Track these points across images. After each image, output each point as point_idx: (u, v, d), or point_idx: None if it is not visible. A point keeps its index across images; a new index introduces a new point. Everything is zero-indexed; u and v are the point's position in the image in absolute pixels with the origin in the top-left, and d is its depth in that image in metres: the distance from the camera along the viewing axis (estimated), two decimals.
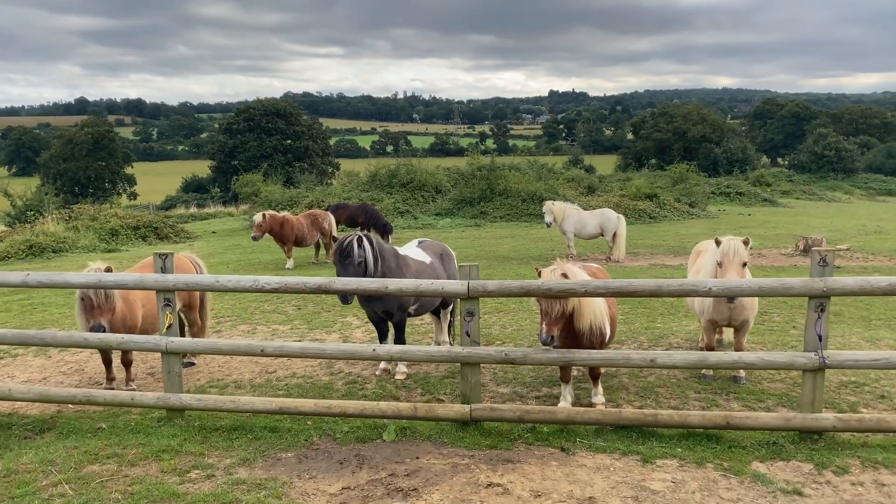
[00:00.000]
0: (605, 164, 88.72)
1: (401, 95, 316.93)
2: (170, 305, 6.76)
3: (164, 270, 6.72)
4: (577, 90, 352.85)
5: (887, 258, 19.29)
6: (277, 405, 6.67)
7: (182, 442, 6.46)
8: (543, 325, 6.35)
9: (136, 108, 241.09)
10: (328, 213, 19.52)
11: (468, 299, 6.39)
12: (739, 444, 6.22)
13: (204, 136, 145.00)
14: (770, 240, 23.56)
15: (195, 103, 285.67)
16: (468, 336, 6.44)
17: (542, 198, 31.75)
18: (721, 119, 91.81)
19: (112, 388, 8.12)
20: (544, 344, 6.34)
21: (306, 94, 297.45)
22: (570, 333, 6.71)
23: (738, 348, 8.05)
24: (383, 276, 7.80)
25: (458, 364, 6.74)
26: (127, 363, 8.11)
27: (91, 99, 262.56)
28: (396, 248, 8.42)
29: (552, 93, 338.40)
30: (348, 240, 7.58)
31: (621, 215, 18.78)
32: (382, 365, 8.52)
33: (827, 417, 6.17)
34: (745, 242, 7.30)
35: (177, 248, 25.62)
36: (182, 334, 9.25)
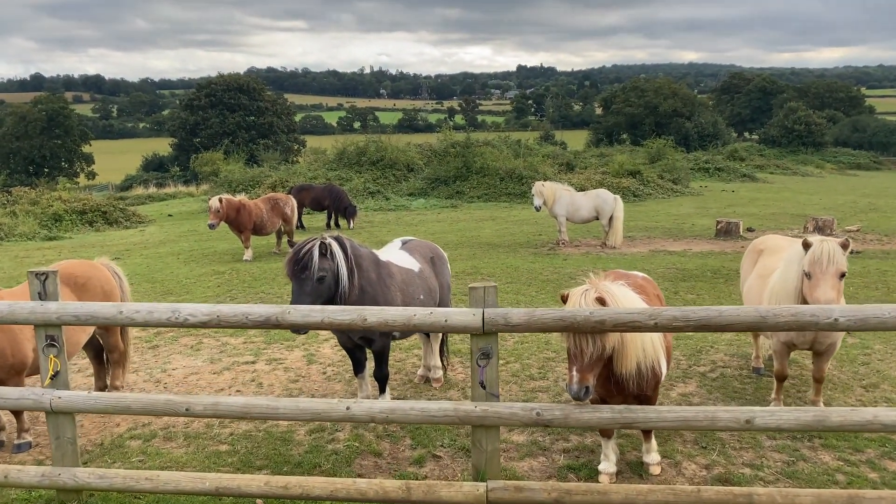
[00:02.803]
0: (575, 139, 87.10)
1: (367, 70, 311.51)
2: (55, 346, 4.74)
3: (43, 296, 4.69)
4: (546, 65, 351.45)
5: None
6: (213, 484, 4.71)
7: None
8: (574, 373, 4.44)
9: (94, 84, 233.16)
10: (290, 196, 17.40)
11: (483, 335, 4.46)
12: None
13: (165, 112, 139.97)
14: (768, 220, 21.99)
15: (156, 79, 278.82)
16: (483, 388, 4.51)
17: (522, 176, 29.92)
18: (692, 93, 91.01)
19: None
20: (576, 398, 4.44)
21: (270, 70, 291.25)
22: (610, 377, 4.85)
23: (819, 377, 6.25)
24: (361, 292, 5.82)
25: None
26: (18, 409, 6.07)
27: (47, 75, 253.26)
28: (376, 252, 6.43)
29: (520, 67, 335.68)
30: (307, 247, 5.56)
31: (618, 196, 16.93)
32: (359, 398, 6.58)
33: None
34: (844, 246, 5.46)
35: (127, 233, 23.34)
36: (102, 362, 7.30)
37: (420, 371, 7.52)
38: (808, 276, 5.48)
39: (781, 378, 6.38)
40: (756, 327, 4.29)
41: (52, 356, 4.75)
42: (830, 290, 5.33)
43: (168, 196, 40.63)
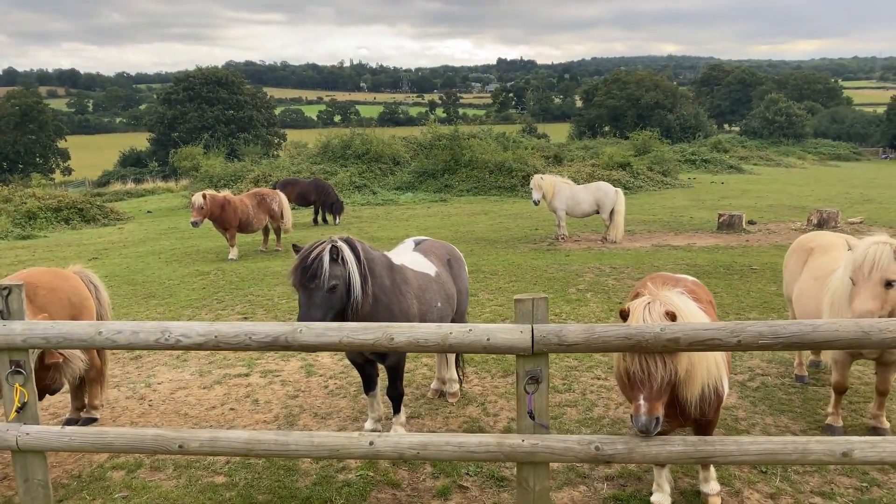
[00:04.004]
0: (556, 132, 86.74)
1: (347, 63, 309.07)
2: (22, 373, 4.00)
3: (6, 315, 3.95)
4: (526, 58, 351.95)
5: None
6: None
7: None
8: (642, 402, 3.79)
9: (69, 78, 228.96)
10: (277, 192, 16.60)
11: (532, 356, 3.78)
12: None
13: (143, 107, 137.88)
14: (767, 212, 21.49)
15: (132, 73, 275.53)
16: (532, 418, 3.84)
17: (511, 169, 29.28)
18: (673, 85, 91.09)
19: None
20: (645, 431, 3.81)
21: (249, 63, 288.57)
22: (674, 403, 4.20)
23: (884, 388, 5.63)
24: (374, 301, 5.11)
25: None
26: None
27: (21, 70, 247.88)
28: (388, 254, 5.71)
29: (500, 61, 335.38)
30: (316, 252, 4.83)
31: (619, 189, 16.30)
32: (370, 422, 5.89)
33: None
34: None
35: (105, 231, 22.43)
36: (79, 379, 6.53)
37: (434, 384, 6.82)
38: (852, 282, 4.90)
39: (841, 391, 5.75)
40: (857, 344, 3.64)
41: (17, 385, 4.01)
42: (870, 300, 4.72)
43: (147, 192, 39.60)
